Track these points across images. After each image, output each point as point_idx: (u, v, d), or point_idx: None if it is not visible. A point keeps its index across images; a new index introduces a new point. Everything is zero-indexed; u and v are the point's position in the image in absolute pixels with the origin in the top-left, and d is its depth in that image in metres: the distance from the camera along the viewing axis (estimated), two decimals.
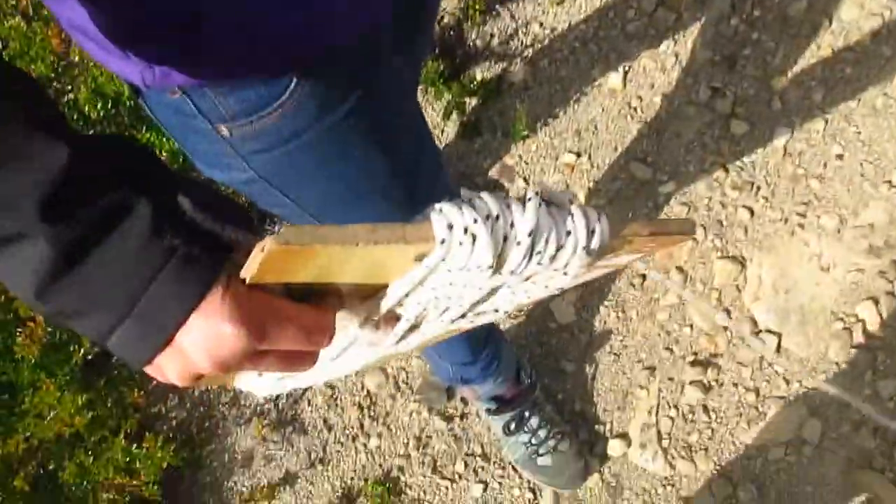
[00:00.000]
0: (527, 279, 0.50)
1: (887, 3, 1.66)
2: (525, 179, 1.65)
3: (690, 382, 1.40)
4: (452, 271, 0.46)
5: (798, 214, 1.49)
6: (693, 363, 1.41)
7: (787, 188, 1.53)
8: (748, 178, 1.55)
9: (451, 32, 1.88)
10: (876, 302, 1.38)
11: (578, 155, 1.65)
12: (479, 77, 1.78)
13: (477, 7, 1.83)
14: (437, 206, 0.45)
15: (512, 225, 0.45)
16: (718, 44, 1.71)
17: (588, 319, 1.49)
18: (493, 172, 1.67)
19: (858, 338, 1.37)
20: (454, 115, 1.72)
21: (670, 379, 1.41)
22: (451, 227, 0.44)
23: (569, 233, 0.47)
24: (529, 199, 0.45)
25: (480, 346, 1.20)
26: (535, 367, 1.43)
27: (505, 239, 0.45)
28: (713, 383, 1.40)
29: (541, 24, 1.85)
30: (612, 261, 0.55)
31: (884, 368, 1.35)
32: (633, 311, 1.48)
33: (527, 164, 1.66)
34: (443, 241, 0.44)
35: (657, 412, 1.39)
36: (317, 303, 0.50)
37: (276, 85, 0.67)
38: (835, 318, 1.39)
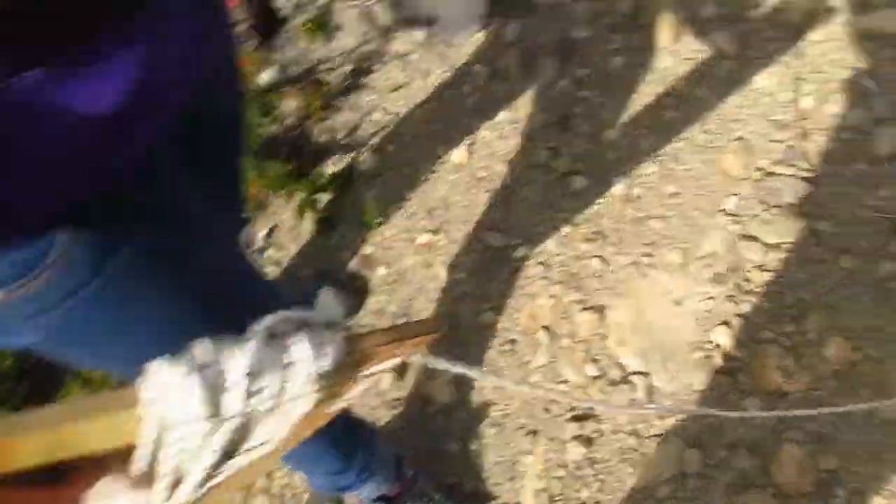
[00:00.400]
0: (270, 411, 0.50)
1: (698, 49, 1.79)
2: (386, 265, 1.67)
3: (573, 438, 1.42)
4: (177, 426, 0.46)
5: (645, 255, 1.56)
6: (572, 419, 1.43)
7: (632, 232, 1.59)
8: (595, 230, 1.61)
9: (296, 132, 1.91)
10: (728, 325, 1.44)
11: (434, 233, 1.68)
12: (329, 171, 1.81)
13: (316, 104, 1.87)
14: (147, 364, 0.45)
15: (223, 371, 0.45)
16: (550, 106, 1.80)
17: (465, 395, 1.50)
18: (353, 264, 1.68)
19: (718, 362, 1.42)
20: (308, 213, 1.74)
21: (552, 439, 1.42)
22: (159, 385, 0.44)
23: (290, 364, 0.47)
24: (248, 339, 0.46)
25: (350, 451, 1.16)
26: (419, 454, 1.42)
27: (218, 386, 0.45)
28: (594, 434, 1.42)
29: (384, 111, 1.91)
30: (372, 369, 0.56)
31: (747, 388, 1.40)
32: (508, 378, 1.50)
33: (385, 249, 1.68)
34: (153, 400, 0.44)
35: (546, 475, 1.40)
36: (73, 475, 0.49)
37: (42, 241, 0.65)
38: (694, 349, 1.44)
